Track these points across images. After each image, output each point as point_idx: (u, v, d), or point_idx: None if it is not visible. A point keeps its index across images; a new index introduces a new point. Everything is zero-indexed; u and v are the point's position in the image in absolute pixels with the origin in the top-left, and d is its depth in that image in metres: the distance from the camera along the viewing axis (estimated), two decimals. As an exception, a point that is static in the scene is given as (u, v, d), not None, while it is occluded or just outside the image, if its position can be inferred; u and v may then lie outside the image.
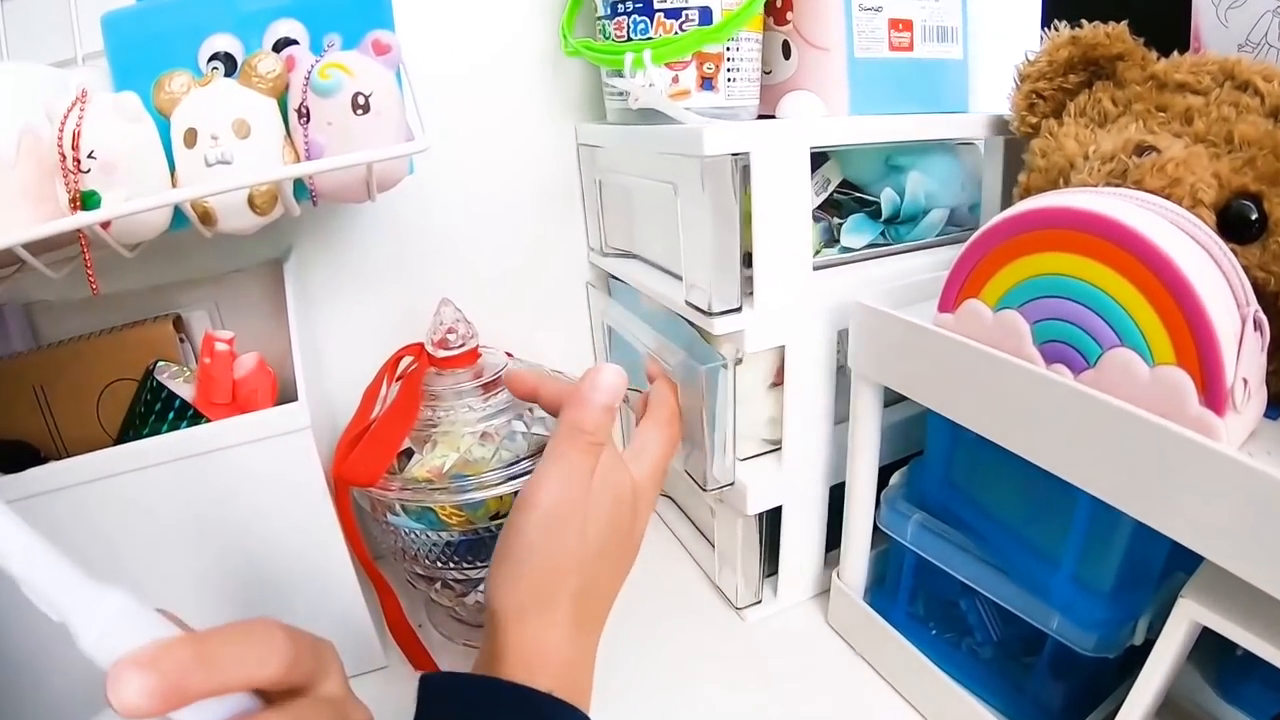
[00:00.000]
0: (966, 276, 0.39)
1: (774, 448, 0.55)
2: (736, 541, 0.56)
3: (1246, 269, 0.35)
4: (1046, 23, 0.50)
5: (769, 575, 0.59)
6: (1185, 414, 0.31)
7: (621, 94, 0.52)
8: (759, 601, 0.58)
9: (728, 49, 0.49)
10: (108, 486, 0.42)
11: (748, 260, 0.48)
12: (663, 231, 0.55)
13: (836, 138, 0.50)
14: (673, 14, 0.48)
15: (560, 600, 0.37)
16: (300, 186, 0.44)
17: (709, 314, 0.47)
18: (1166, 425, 0.30)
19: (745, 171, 0.45)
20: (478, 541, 0.50)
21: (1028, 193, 0.47)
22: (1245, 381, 0.31)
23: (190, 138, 0.38)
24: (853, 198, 0.56)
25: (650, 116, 0.50)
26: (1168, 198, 0.37)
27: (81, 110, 0.37)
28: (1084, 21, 0.46)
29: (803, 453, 0.54)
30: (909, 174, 0.55)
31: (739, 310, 0.48)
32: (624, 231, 0.62)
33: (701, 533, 0.67)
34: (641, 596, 0.56)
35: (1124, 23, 0.45)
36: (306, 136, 0.41)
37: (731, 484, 0.51)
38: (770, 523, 0.56)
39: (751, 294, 0.48)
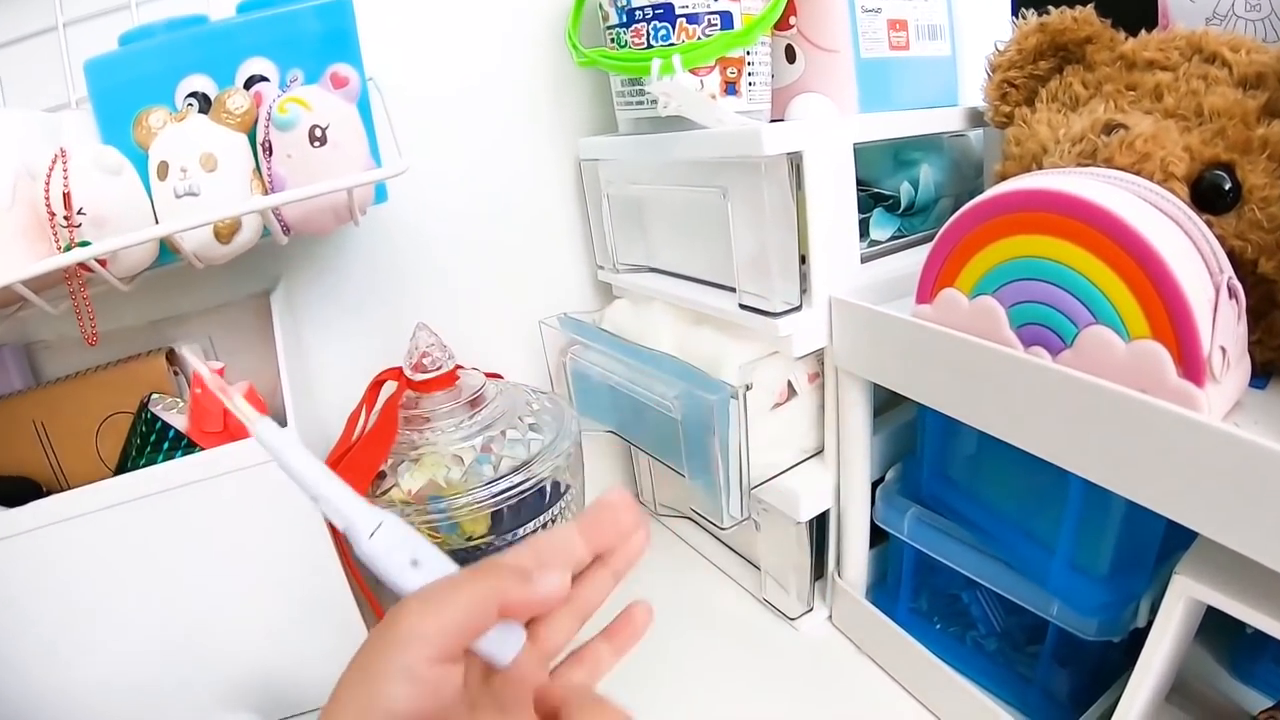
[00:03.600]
0: (941, 266, 0.39)
1: (812, 454, 0.54)
2: (789, 552, 0.54)
3: (1223, 239, 0.35)
4: (1015, 12, 0.50)
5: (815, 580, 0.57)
6: (1164, 386, 0.31)
7: (639, 103, 0.52)
8: (810, 610, 0.56)
9: (748, 53, 0.49)
10: (107, 517, 0.43)
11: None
12: (697, 240, 0.54)
13: (876, 134, 0.50)
14: (694, 19, 0.47)
15: None
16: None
17: (773, 315, 0.46)
18: (1146, 399, 0.30)
19: (796, 171, 0.45)
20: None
21: (1003, 180, 0.47)
22: (1224, 350, 0.31)
23: (162, 170, 0.39)
24: (868, 194, 0.56)
25: (672, 124, 0.49)
26: (1138, 173, 0.36)
27: (65, 168, 0.38)
28: (1051, 8, 0.46)
29: (848, 452, 0.51)
30: (920, 167, 0.55)
31: (800, 309, 0.47)
32: (639, 245, 0.61)
33: (735, 552, 0.64)
34: (690, 625, 0.57)
35: (1090, 5, 0.45)
36: (270, 169, 0.42)
37: (748, 518, 0.50)
38: (817, 528, 0.54)
39: (807, 291, 0.47)
